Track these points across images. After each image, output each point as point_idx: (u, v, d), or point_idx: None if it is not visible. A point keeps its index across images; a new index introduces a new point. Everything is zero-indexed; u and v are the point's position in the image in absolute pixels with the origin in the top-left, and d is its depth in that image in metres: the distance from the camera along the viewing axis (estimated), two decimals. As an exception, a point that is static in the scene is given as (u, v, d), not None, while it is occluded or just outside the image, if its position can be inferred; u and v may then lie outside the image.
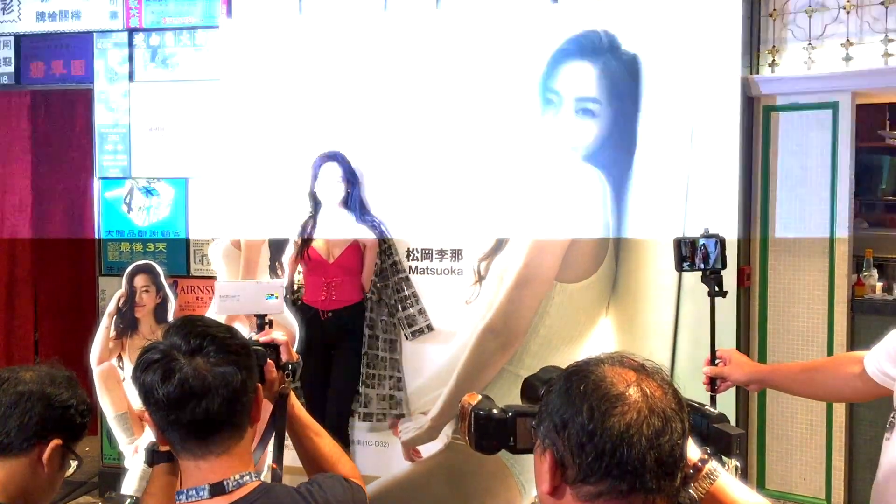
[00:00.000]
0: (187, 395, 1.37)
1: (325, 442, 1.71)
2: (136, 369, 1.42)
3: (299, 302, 4.08)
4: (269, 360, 1.65)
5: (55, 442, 1.57)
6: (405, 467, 4.13)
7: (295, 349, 4.13)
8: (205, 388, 1.38)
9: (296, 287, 4.12)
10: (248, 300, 2.31)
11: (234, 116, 4.30)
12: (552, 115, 3.90)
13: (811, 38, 3.88)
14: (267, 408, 1.64)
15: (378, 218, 4.06)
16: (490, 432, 1.29)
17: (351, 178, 4.02)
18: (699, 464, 1.20)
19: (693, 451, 1.20)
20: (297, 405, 1.71)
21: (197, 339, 1.41)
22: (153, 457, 1.62)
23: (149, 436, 4.08)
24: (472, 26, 4.03)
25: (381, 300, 4.04)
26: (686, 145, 3.77)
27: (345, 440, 4.04)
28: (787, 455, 3.99)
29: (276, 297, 2.30)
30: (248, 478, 1.41)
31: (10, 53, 4.76)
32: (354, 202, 4.03)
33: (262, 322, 1.92)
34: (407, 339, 4.06)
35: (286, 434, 1.71)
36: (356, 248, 3.98)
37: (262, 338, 1.71)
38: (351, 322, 4.01)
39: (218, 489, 1.38)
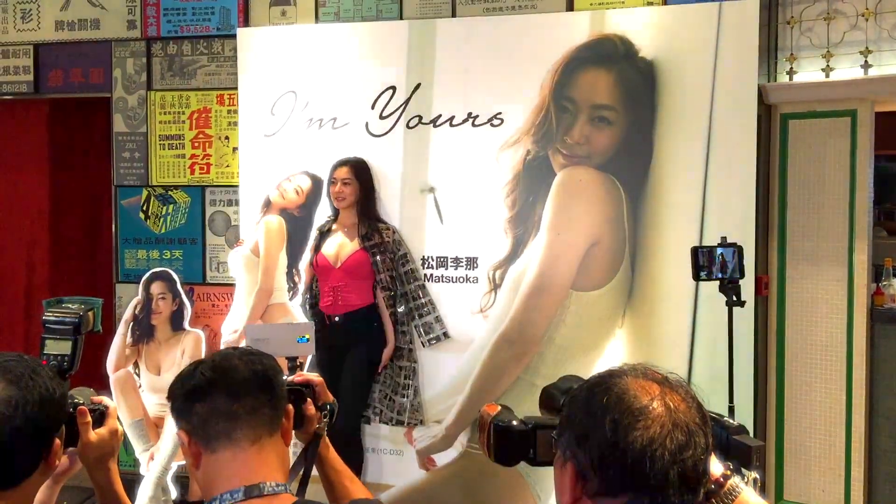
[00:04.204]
0: (218, 373, 1.43)
1: (357, 487, 1.71)
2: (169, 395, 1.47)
3: (316, 307, 4.09)
4: (307, 399, 1.65)
5: (58, 442, 1.46)
6: (420, 476, 4.12)
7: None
8: (233, 368, 1.43)
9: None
10: (279, 342, 2.31)
11: (251, 124, 4.32)
12: (568, 122, 3.89)
13: (829, 45, 3.86)
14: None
15: (393, 225, 4.06)
16: (510, 444, 1.29)
17: (364, 184, 4.02)
18: (721, 479, 1.19)
19: (716, 465, 1.19)
20: (331, 449, 1.71)
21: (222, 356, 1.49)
22: None
23: (164, 442, 4.11)
24: (488, 34, 4.03)
25: (394, 312, 4.03)
26: (703, 153, 3.75)
27: (357, 448, 4.03)
28: (806, 466, 3.96)
29: (308, 340, 2.30)
30: (283, 488, 1.40)
31: (30, 62, 4.80)
32: (366, 208, 4.04)
33: (293, 364, 1.91)
34: (423, 346, 4.05)
35: (318, 474, 1.70)
36: (363, 252, 3.98)
37: (297, 378, 1.71)
38: (359, 326, 4.01)
39: (254, 491, 1.36)
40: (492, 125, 3.99)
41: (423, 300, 4.06)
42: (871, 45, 3.79)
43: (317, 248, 4.07)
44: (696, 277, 3.40)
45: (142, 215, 4.65)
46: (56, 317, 2.14)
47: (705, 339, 3.72)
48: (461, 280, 4.04)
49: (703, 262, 3.36)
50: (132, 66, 4.65)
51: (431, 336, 4.05)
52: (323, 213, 4.19)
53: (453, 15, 4.23)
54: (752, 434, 1.43)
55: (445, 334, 4.05)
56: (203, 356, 4.19)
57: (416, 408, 4.08)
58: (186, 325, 4.34)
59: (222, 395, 1.41)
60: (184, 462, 4.41)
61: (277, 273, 4.18)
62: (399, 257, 4.03)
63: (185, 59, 4.59)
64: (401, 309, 4.04)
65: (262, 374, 1.44)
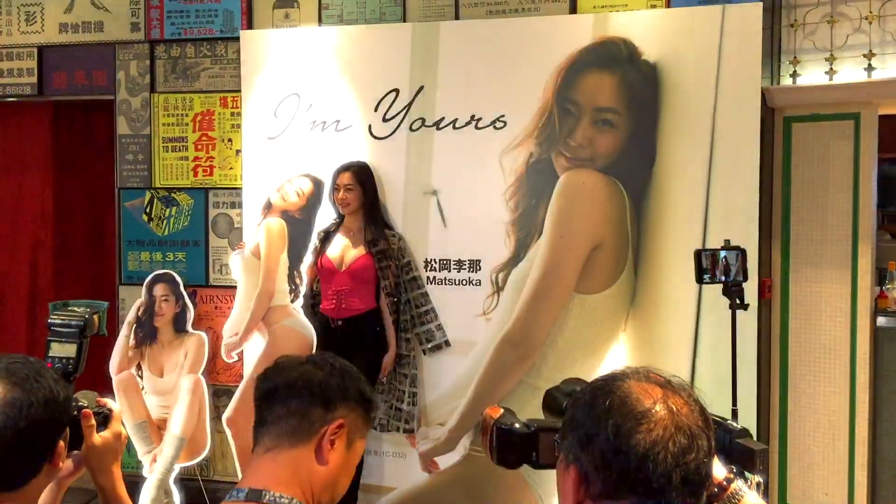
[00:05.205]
0: (269, 374, 1.48)
1: None
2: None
3: (317, 309, 4.10)
4: None
5: (62, 444, 1.46)
6: (422, 478, 4.12)
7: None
8: (283, 374, 1.46)
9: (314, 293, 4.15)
10: None
11: (254, 127, 4.32)
12: (571, 125, 3.89)
13: (833, 48, 3.86)
14: None
15: (398, 233, 4.06)
16: (512, 447, 1.29)
17: (368, 188, 4.02)
18: (724, 482, 1.19)
19: (718, 469, 1.19)
20: None
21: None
22: None
23: (167, 445, 4.10)
24: (491, 36, 4.03)
25: (397, 319, 4.03)
26: (706, 156, 3.75)
27: None
28: (809, 470, 3.95)
29: None
30: (286, 500, 1.35)
31: (33, 64, 4.81)
32: (371, 213, 4.03)
33: None
34: (424, 353, 4.06)
35: None
36: (369, 257, 3.98)
37: None
38: (363, 331, 4.00)
39: (254, 496, 1.35)
40: (495, 128, 3.99)
41: (424, 308, 4.06)
42: (874, 48, 3.78)
43: (320, 251, 4.06)
44: (700, 280, 3.40)
45: (145, 217, 4.65)
46: (61, 320, 2.13)
47: (708, 343, 3.71)
48: (464, 283, 4.04)
49: (707, 265, 3.35)
50: (136, 69, 4.66)
51: (433, 344, 4.05)
52: (324, 215, 4.19)
53: (456, 17, 4.23)
54: (755, 437, 1.43)
55: (447, 342, 4.05)
56: (206, 358, 4.24)
57: (422, 413, 4.08)
58: (189, 327, 4.34)
59: (262, 398, 1.45)
60: (186, 464, 4.42)
61: (279, 275, 4.18)
62: (403, 265, 4.03)
63: (188, 61, 4.60)
64: (403, 316, 4.04)
65: (304, 383, 1.43)
